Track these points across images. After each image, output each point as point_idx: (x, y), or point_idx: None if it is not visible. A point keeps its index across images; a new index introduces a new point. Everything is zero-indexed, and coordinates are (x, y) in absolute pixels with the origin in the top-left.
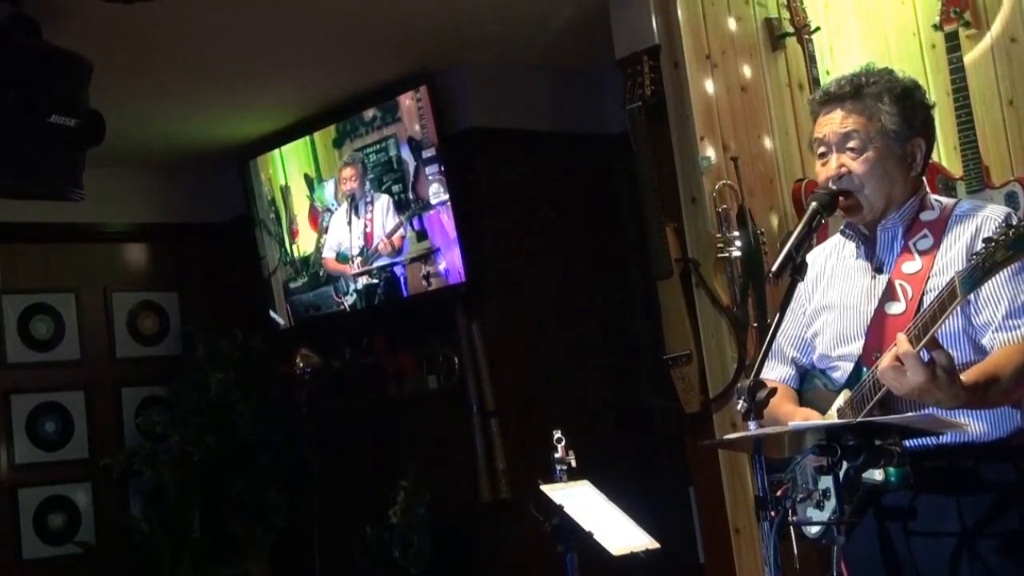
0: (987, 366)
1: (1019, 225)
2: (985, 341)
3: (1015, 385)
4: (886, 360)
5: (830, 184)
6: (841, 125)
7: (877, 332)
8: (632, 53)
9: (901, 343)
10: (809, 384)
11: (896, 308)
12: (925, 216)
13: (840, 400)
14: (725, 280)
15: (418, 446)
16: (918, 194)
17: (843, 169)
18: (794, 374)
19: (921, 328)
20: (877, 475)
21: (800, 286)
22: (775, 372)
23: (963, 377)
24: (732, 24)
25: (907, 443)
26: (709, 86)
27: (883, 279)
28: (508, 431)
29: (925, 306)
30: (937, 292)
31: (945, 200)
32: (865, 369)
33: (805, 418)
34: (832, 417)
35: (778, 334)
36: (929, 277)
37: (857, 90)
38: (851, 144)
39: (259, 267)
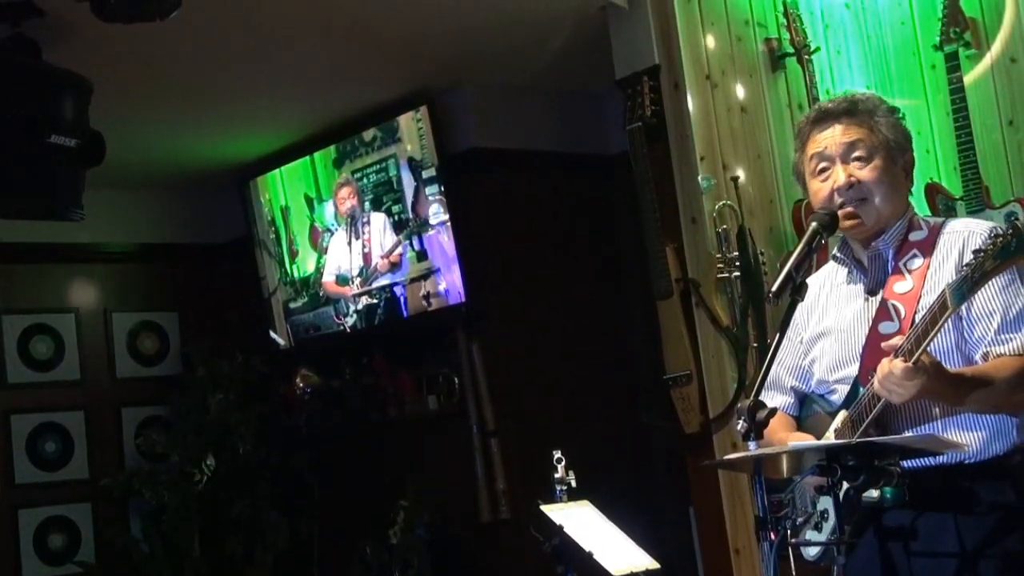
0: (978, 368)
1: (1005, 234)
2: (979, 356)
3: (1007, 392)
4: (881, 379)
5: (837, 196)
6: (844, 135)
7: (872, 352)
8: (632, 73)
9: (895, 366)
10: (808, 410)
11: (890, 328)
12: (914, 236)
13: (837, 420)
14: (725, 300)
15: (418, 466)
16: (907, 214)
17: (852, 178)
18: (793, 402)
19: (914, 342)
20: (874, 493)
21: (797, 313)
22: (773, 401)
23: (951, 370)
24: (732, 44)
25: (905, 463)
26: (709, 106)
27: (876, 300)
28: (508, 451)
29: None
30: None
31: (933, 220)
32: (861, 388)
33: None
34: (830, 438)
35: (776, 364)
36: (921, 296)
37: (852, 105)
38: (857, 153)
39: (259, 287)
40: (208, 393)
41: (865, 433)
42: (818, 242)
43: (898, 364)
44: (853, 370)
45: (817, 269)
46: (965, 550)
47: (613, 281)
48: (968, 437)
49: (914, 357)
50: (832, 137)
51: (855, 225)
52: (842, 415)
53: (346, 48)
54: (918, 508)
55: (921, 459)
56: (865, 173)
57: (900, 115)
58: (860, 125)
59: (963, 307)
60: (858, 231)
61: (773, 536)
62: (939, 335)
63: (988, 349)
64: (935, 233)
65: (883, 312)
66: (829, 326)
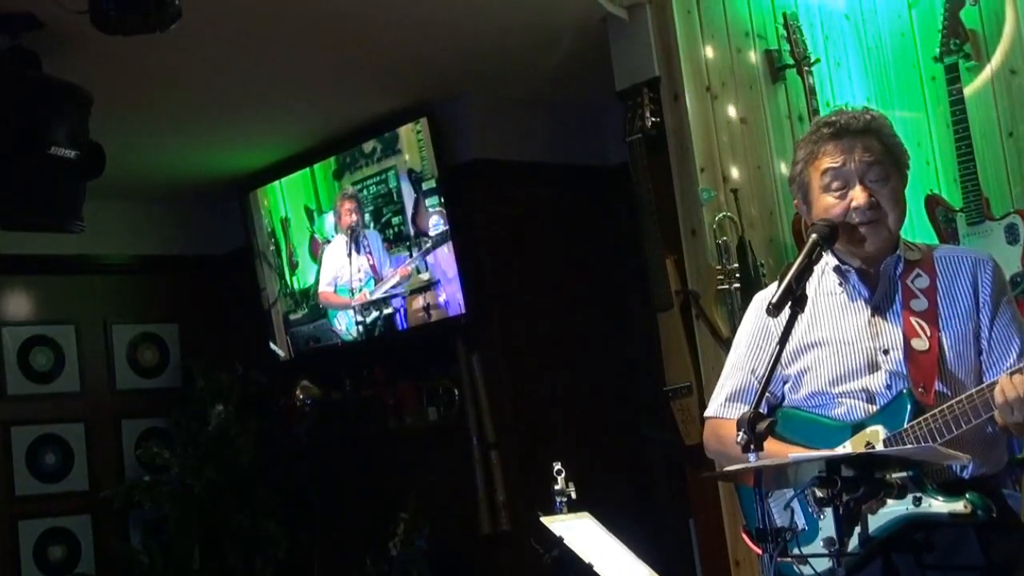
0: None
1: None
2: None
3: None
4: (1007, 396)
5: (855, 215)
6: (865, 155)
7: (916, 368)
8: (632, 85)
9: (1019, 384)
10: (780, 424)
11: (921, 345)
12: (909, 256)
13: (862, 437)
14: (725, 312)
15: (418, 478)
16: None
17: (873, 199)
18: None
19: None
20: (960, 506)
21: (771, 324)
22: (739, 410)
23: None
24: (732, 56)
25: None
26: (709, 118)
27: (890, 316)
28: (508, 463)
29: (945, 343)
30: (952, 329)
31: (917, 242)
32: (911, 404)
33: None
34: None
35: (748, 373)
36: (939, 315)
37: (868, 124)
38: (874, 176)
39: (259, 299)
40: (208, 405)
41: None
42: (818, 254)
43: None
44: (864, 384)
45: None
46: (993, 563)
47: (613, 293)
48: (978, 453)
49: None
50: (852, 155)
51: (862, 247)
52: (872, 432)
53: (346, 59)
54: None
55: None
56: (884, 194)
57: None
58: (877, 145)
59: (984, 328)
60: (863, 251)
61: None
62: (960, 327)
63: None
64: (928, 255)
65: (911, 329)
66: (825, 337)
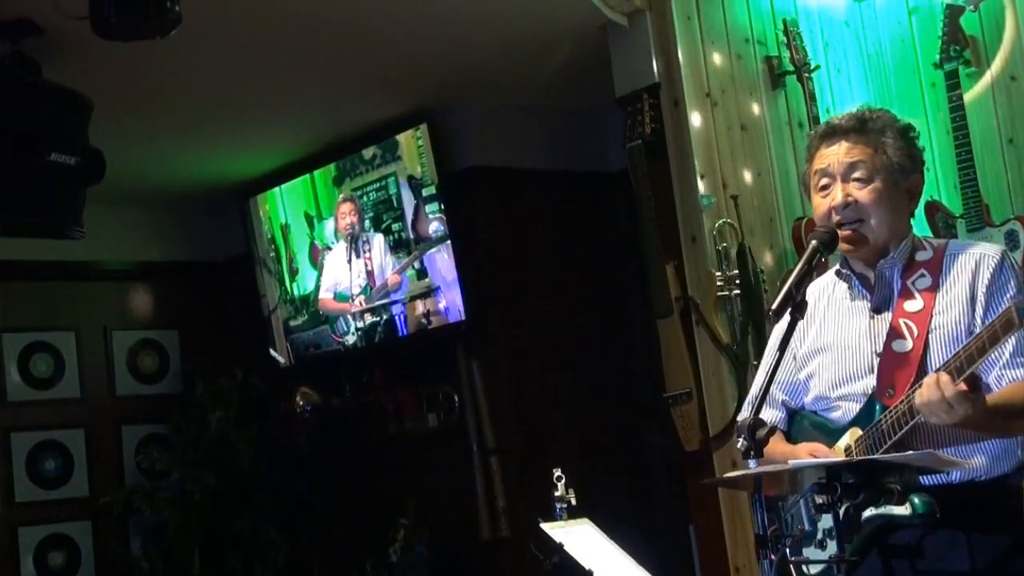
0: (1004, 397)
1: None
2: (991, 378)
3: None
4: (930, 397)
5: (833, 214)
6: (847, 155)
7: (888, 370)
8: (632, 91)
9: (947, 386)
10: (797, 426)
11: (904, 346)
12: (920, 256)
13: (847, 438)
14: (725, 318)
15: (418, 484)
16: (910, 234)
17: (850, 198)
18: (783, 417)
19: (965, 360)
20: (902, 509)
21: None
22: (764, 415)
23: (988, 401)
24: (732, 62)
25: (923, 479)
26: (709, 124)
27: (885, 318)
28: (508, 469)
29: (931, 344)
30: (943, 328)
31: (936, 241)
32: (879, 406)
33: (810, 453)
34: (840, 455)
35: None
36: (932, 315)
37: (862, 123)
38: (857, 174)
39: (259, 305)
40: (208, 411)
41: (887, 452)
42: (818, 260)
43: (950, 387)
44: (862, 386)
45: None
46: (976, 568)
47: (613, 299)
48: (979, 455)
49: (963, 376)
50: (836, 154)
51: (852, 249)
52: (853, 432)
53: (346, 66)
54: (928, 526)
55: (930, 478)
56: (863, 194)
57: (914, 134)
58: (866, 144)
59: (977, 323)
60: (856, 253)
61: (772, 556)
62: (951, 325)
63: (1002, 372)
64: (940, 254)
65: (896, 330)
66: (829, 342)
